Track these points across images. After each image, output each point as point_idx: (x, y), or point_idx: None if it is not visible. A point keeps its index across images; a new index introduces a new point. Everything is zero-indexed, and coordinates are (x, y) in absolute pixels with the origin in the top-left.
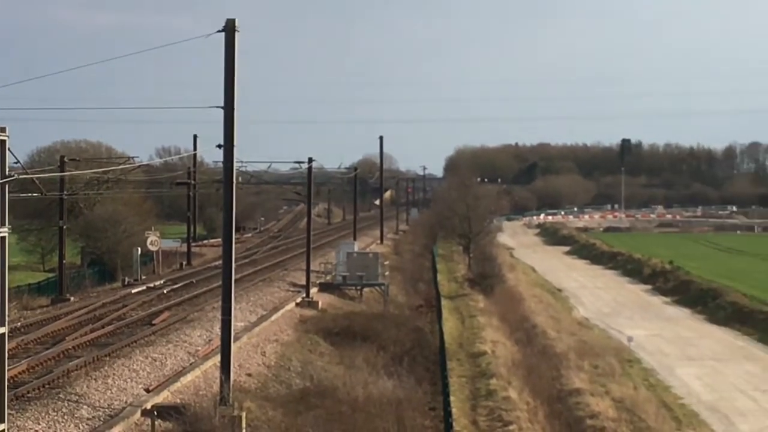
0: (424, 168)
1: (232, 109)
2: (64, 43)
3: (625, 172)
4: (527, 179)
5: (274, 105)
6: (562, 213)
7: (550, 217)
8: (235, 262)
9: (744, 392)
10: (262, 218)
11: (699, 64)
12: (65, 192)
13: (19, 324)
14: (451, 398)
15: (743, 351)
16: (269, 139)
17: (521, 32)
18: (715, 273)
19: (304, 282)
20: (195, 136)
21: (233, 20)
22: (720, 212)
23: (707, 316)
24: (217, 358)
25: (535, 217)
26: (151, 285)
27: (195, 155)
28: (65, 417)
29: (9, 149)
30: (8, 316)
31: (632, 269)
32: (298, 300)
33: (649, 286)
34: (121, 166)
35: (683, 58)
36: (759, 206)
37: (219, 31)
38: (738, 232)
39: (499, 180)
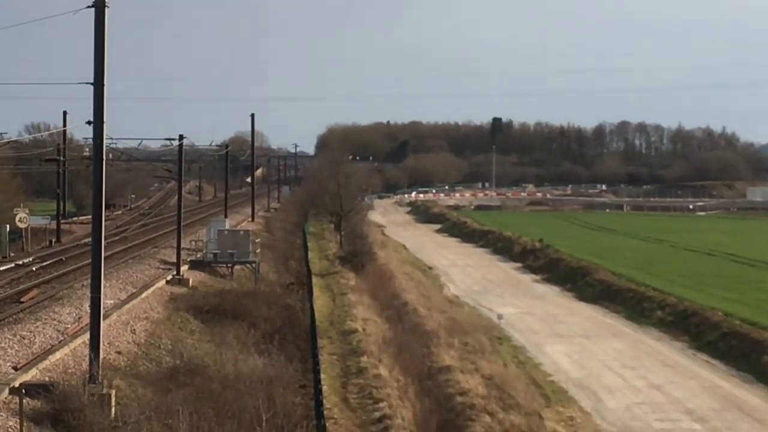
0: (296, 146)
1: (102, 85)
2: None
3: (495, 150)
4: (399, 157)
5: (145, 82)
6: (434, 191)
7: (421, 195)
8: (105, 239)
9: (612, 369)
10: (133, 196)
11: (569, 42)
12: None
13: None
14: (322, 376)
15: (611, 328)
16: (140, 116)
17: (391, 9)
18: (585, 251)
19: (174, 260)
20: (65, 113)
21: None
22: (590, 191)
23: (576, 294)
24: (87, 336)
25: (406, 195)
26: (20, 262)
27: (65, 132)
28: None
29: None
30: None
31: (503, 247)
32: (169, 278)
33: (519, 264)
34: None
35: (552, 36)
36: (628, 185)
37: (89, 7)
38: (607, 210)
39: (371, 158)
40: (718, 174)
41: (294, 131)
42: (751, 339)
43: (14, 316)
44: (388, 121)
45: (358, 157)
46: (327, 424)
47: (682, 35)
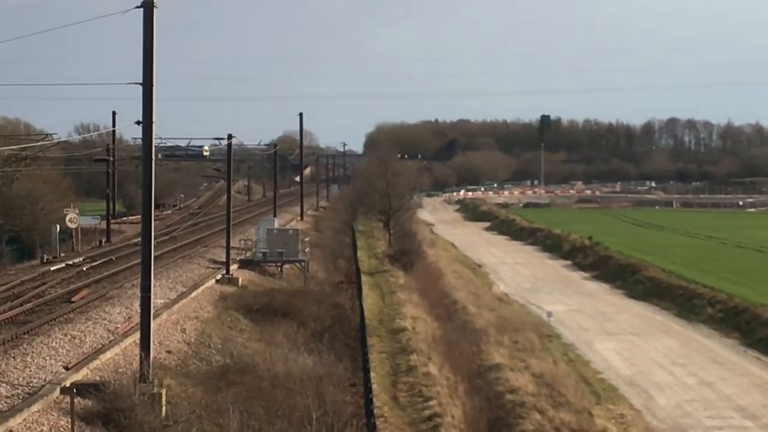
0: (344, 144)
1: (151, 85)
2: None
3: (544, 148)
4: (447, 155)
5: (193, 81)
6: (482, 189)
7: (470, 193)
8: (155, 239)
9: (662, 366)
10: (182, 195)
11: (618, 39)
12: None
13: None
14: (372, 374)
15: (661, 325)
16: (189, 116)
17: (440, 8)
18: (634, 248)
19: (224, 259)
20: (114, 113)
21: None
22: (639, 188)
23: (626, 291)
24: (137, 336)
25: (455, 193)
26: (70, 262)
27: (114, 132)
28: None
29: None
30: None
31: (552, 245)
32: (218, 277)
33: (568, 262)
34: (39, 143)
35: (602, 33)
36: (677, 182)
37: (137, 7)
38: (656, 207)
39: (419, 156)
40: None
41: (342, 130)
42: None
43: (65, 316)
44: (437, 119)
45: (406, 156)
46: (377, 423)
47: (732, 30)
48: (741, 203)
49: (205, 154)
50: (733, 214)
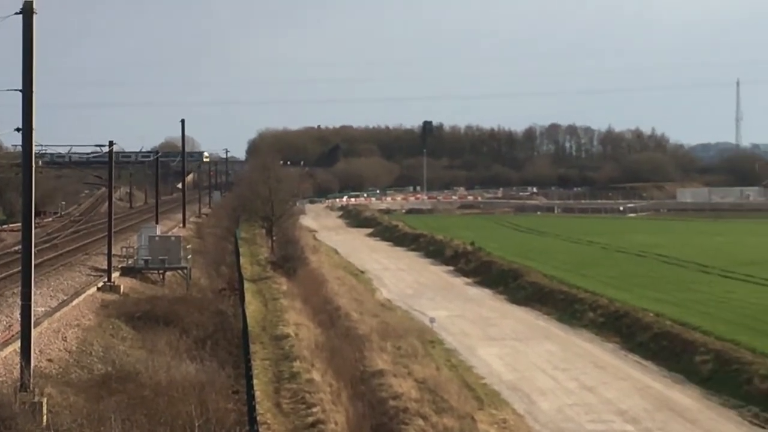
0: (227, 151)
1: (31, 92)
2: None
3: (426, 154)
4: (330, 161)
5: (74, 88)
6: (365, 195)
7: (353, 200)
8: (35, 246)
9: (544, 371)
10: (63, 203)
11: (496, 46)
12: None
13: None
14: (254, 381)
15: (543, 330)
16: (70, 123)
17: (322, 14)
18: (516, 254)
19: (105, 266)
20: None
21: (31, 2)
22: (521, 193)
23: (508, 297)
24: (17, 344)
25: (338, 200)
26: None
27: None
28: None
29: None
30: None
31: (434, 250)
32: (100, 284)
33: (451, 267)
34: None
35: (483, 40)
36: (558, 187)
37: (17, 13)
38: (538, 213)
39: (302, 162)
40: (648, 175)
41: (225, 136)
42: (682, 339)
43: None
44: (319, 126)
45: (289, 162)
46: (260, 430)
47: (612, 37)
48: (622, 208)
49: (205, 160)
50: (614, 219)
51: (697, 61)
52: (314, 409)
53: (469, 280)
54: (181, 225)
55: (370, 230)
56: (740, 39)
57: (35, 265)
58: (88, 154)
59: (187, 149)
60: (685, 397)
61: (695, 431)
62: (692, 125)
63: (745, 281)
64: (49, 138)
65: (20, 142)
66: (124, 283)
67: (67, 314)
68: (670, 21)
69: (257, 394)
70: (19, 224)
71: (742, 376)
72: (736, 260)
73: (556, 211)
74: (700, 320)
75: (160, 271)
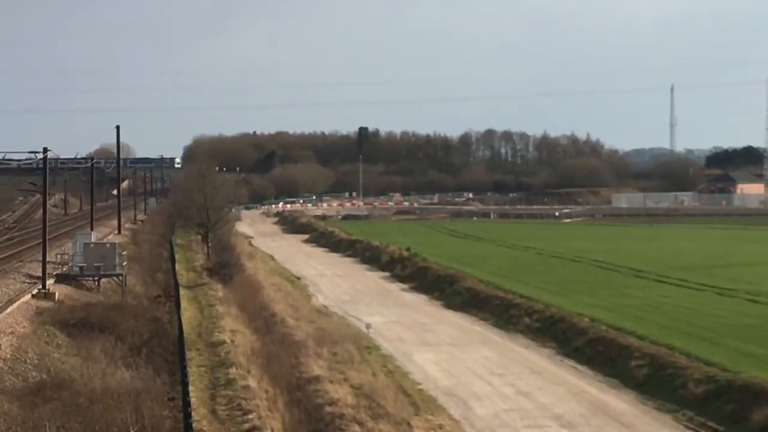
0: (162, 157)
1: None
2: None
3: (362, 160)
4: (266, 168)
5: (7, 95)
6: (301, 201)
7: (288, 206)
8: None
9: (480, 376)
10: None
11: (433, 51)
12: None
13: None
14: (190, 388)
15: (479, 336)
16: (3, 130)
17: (256, 20)
18: (452, 259)
19: (40, 273)
20: None
21: None
22: (456, 199)
23: (444, 302)
24: None
25: (274, 206)
26: None
27: None
28: None
29: None
30: None
31: (370, 256)
32: (34, 292)
33: (387, 273)
34: None
35: (419, 45)
36: (494, 193)
37: None
38: (474, 218)
39: (238, 169)
40: (584, 181)
41: (161, 143)
42: (617, 344)
43: None
44: (255, 132)
45: (225, 168)
46: None
47: (548, 42)
48: (557, 214)
49: (177, 166)
50: (549, 224)
51: (632, 66)
52: (250, 416)
53: (405, 286)
54: (117, 232)
55: (306, 236)
56: (674, 44)
57: None
58: (21, 160)
59: (122, 156)
60: (620, 402)
61: None
62: (627, 131)
63: (679, 286)
64: None
65: None
66: (59, 290)
67: (0, 322)
68: (604, 26)
69: (193, 400)
70: None
71: (676, 380)
72: (670, 265)
73: (492, 217)
74: (635, 325)
75: (95, 278)
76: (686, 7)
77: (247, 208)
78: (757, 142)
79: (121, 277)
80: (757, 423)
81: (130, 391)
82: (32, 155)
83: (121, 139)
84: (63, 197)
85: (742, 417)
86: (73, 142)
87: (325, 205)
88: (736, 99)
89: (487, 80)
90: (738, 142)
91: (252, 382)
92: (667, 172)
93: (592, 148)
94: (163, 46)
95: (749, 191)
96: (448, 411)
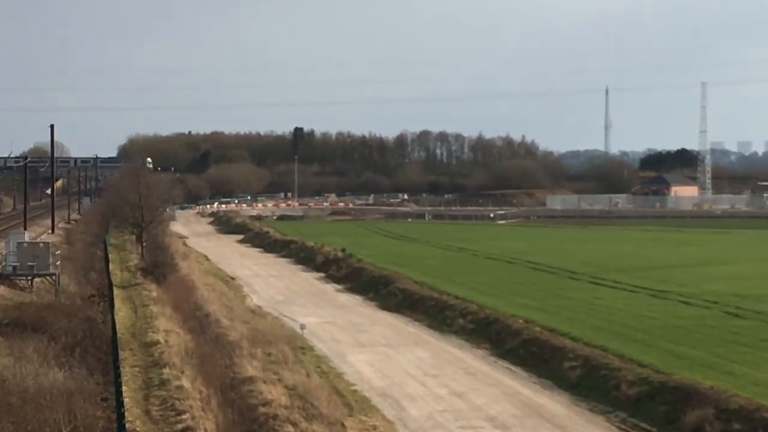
0: (97, 156)
1: None
2: None
3: (298, 160)
4: (201, 168)
5: None
6: (236, 201)
7: (223, 206)
8: None
9: (414, 377)
10: None
11: (369, 51)
12: None
13: None
14: (124, 388)
15: (414, 337)
16: None
17: (191, 22)
18: (387, 260)
19: None
20: None
21: None
22: (392, 200)
23: (379, 303)
24: None
25: (208, 206)
26: None
27: None
28: None
29: None
30: None
31: (305, 257)
32: None
33: (322, 274)
34: None
35: (351, 45)
36: (429, 194)
37: None
38: (409, 219)
39: (173, 169)
40: (518, 182)
41: (95, 142)
42: (551, 345)
43: None
44: (190, 132)
45: (159, 168)
46: None
47: (481, 45)
48: (492, 215)
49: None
50: (484, 226)
51: (567, 68)
52: (184, 416)
53: (339, 287)
54: (50, 231)
55: (240, 237)
56: (609, 47)
57: None
58: None
59: (56, 155)
60: (554, 403)
61: None
62: (562, 133)
63: (613, 288)
64: None
65: None
66: None
67: None
68: (540, 29)
69: (126, 401)
70: None
71: (610, 382)
72: (604, 267)
73: (426, 218)
74: (569, 326)
75: (29, 278)
76: (622, 11)
77: (182, 208)
78: (691, 145)
79: (54, 277)
80: (689, 424)
81: (63, 391)
82: None
83: (55, 138)
84: None
85: (674, 418)
86: (7, 141)
87: (260, 205)
88: (671, 102)
89: (422, 81)
90: (672, 144)
91: (186, 383)
92: (601, 174)
93: (527, 150)
94: (99, 46)
95: (683, 193)
96: (382, 412)
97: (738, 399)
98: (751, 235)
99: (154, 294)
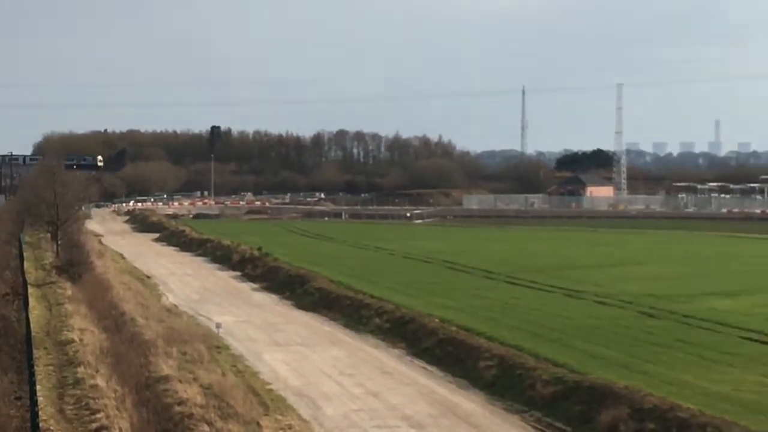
0: (11, 154)
1: None
2: None
3: (214, 159)
4: (117, 166)
5: None
6: (152, 200)
7: (139, 204)
8: None
9: (330, 377)
10: None
11: (286, 52)
12: None
13: None
14: (38, 387)
15: (330, 336)
16: None
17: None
18: (303, 259)
19: None
20: None
21: None
22: (308, 199)
23: (295, 302)
24: None
25: (124, 204)
26: None
27: None
28: None
29: None
30: None
31: (221, 256)
32: None
33: (238, 273)
34: None
35: (267, 46)
36: (346, 193)
37: None
38: (326, 218)
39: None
40: (435, 182)
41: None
42: (467, 345)
43: None
44: (106, 130)
45: (75, 166)
46: None
47: (398, 47)
48: (409, 215)
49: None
50: (401, 225)
51: (484, 69)
52: (98, 415)
53: (256, 286)
54: None
55: (156, 235)
56: (525, 48)
57: None
58: None
59: None
60: (469, 403)
61: None
62: (478, 133)
63: (529, 287)
64: None
65: None
66: None
67: None
68: (456, 29)
69: (40, 400)
70: None
71: (525, 381)
72: (520, 266)
73: (343, 217)
74: (485, 326)
75: None
76: (539, 11)
77: (98, 207)
78: (607, 146)
79: None
80: (603, 424)
81: None
82: None
83: None
84: None
85: (589, 418)
86: None
87: (176, 204)
88: (587, 103)
89: (340, 81)
90: (588, 145)
91: (100, 382)
92: (517, 174)
93: (444, 150)
94: (11, 42)
95: (598, 194)
96: (298, 411)
97: (652, 398)
98: (666, 235)
99: (69, 292)
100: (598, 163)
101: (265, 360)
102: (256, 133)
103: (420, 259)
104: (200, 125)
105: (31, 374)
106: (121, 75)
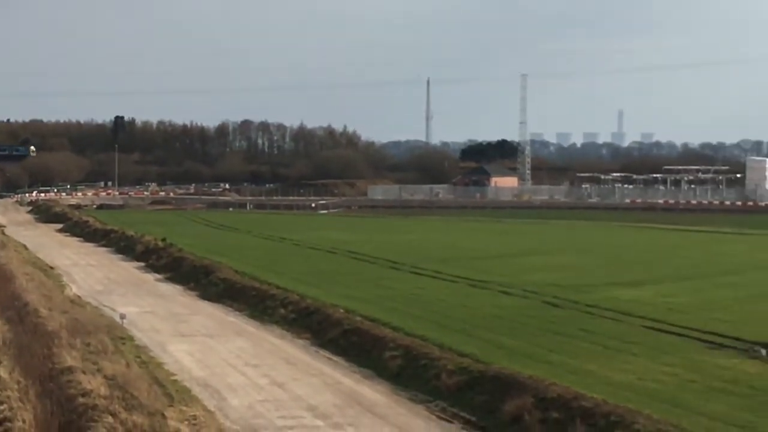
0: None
1: None
2: None
3: (118, 149)
4: (19, 156)
5: None
6: (55, 190)
7: (42, 195)
8: None
9: (235, 367)
10: None
11: (188, 41)
12: None
13: None
14: None
15: (234, 327)
16: None
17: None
18: (208, 250)
19: None
20: None
21: None
22: (213, 189)
23: (200, 293)
24: None
25: (27, 195)
26: None
27: None
28: None
29: None
30: None
31: (125, 246)
32: None
33: (142, 264)
34: None
35: (170, 35)
36: (251, 184)
37: None
38: (231, 209)
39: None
40: (340, 172)
41: None
42: (372, 335)
43: None
44: (9, 120)
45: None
46: None
47: (304, 36)
48: (314, 205)
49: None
50: (306, 215)
51: (388, 59)
52: (1, 407)
53: (160, 276)
54: None
55: (60, 226)
56: (430, 39)
57: None
58: None
59: None
60: (374, 393)
61: (384, 426)
62: (383, 123)
63: (434, 278)
64: None
65: None
66: None
67: None
68: (362, 19)
69: None
70: None
71: (430, 371)
72: (425, 257)
73: (248, 208)
74: (390, 316)
75: None
76: (444, 2)
77: (0, 197)
78: (511, 136)
79: None
80: (507, 413)
81: None
82: None
83: None
84: None
85: (494, 408)
86: None
87: (79, 194)
88: (491, 93)
89: (244, 71)
90: (493, 135)
91: (3, 373)
92: (422, 164)
93: (349, 140)
94: None
95: (503, 184)
96: (203, 402)
97: (556, 387)
98: (569, 225)
99: None
100: (502, 153)
101: (169, 351)
102: (160, 123)
103: (325, 249)
104: (104, 115)
105: None
106: (23, 64)
